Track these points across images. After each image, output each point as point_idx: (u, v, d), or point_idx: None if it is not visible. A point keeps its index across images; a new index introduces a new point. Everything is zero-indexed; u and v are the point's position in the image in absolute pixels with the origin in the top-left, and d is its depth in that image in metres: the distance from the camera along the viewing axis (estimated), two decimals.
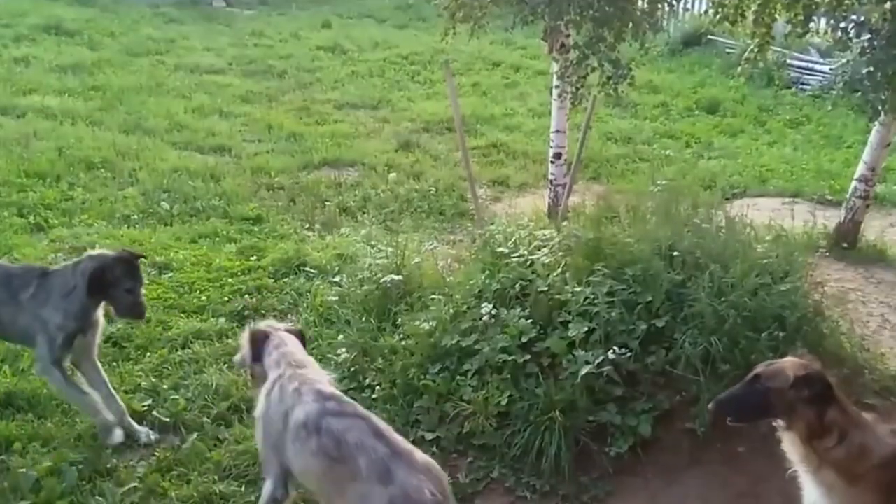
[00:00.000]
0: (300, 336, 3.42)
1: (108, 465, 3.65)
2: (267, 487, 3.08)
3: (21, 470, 3.55)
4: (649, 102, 10.34)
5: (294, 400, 2.97)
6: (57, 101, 8.86)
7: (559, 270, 4.23)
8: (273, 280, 5.43)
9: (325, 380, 3.13)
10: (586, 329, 3.84)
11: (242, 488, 3.56)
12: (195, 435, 3.86)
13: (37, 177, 6.82)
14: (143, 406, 4.05)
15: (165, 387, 4.21)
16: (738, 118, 9.95)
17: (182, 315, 4.97)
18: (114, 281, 3.64)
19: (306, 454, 2.88)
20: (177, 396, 4.12)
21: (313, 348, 4.51)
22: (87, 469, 3.62)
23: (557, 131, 6.36)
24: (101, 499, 3.45)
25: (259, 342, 3.28)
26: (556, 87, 6.11)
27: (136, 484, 3.53)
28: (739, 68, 6.51)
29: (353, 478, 2.74)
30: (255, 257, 5.73)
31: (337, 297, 4.99)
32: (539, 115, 9.50)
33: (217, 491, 3.52)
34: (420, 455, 2.83)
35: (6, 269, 3.95)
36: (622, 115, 9.85)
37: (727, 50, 11.73)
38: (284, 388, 3.03)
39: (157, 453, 3.74)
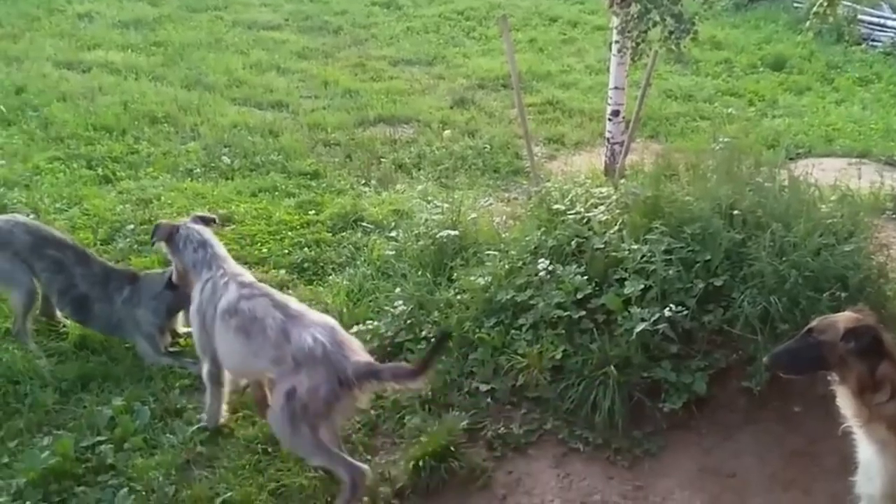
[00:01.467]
0: (207, 221, 3.89)
1: (178, 406, 3.83)
2: (204, 366, 3.62)
3: (97, 408, 3.76)
4: (712, 59, 10.07)
5: (222, 291, 3.49)
6: (120, 56, 9.06)
7: (616, 228, 4.22)
8: (331, 234, 5.52)
9: (244, 272, 3.67)
10: (643, 286, 3.83)
11: None
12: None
13: (103, 130, 7.03)
14: None
15: None
16: (805, 76, 9.64)
17: (244, 266, 5.10)
18: None
19: (230, 334, 3.40)
20: None
21: (370, 301, 4.63)
22: (158, 408, 3.81)
23: (616, 88, 6.26)
24: (171, 436, 3.63)
25: (171, 236, 3.75)
26: (616, 42, 6.00)
27: (204, 424, 3.70)
28: (807, 23, 6.29)
29: (263, 345, 3.29)
30: (313, 211, 5.84)
31: (393, 252, 5.06)
32: (596, 71, 9.36)
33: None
34: (314, 314, 3.39)
35: (105, 267, 4.39)
36: (683, 71, 9.61)
37: (795, 4, 11.31)
38: (216, 284, 3.53)
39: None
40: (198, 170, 6.54)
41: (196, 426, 3.68)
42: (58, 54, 8.92)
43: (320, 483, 3.40)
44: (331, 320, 3.38)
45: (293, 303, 3.45)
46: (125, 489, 3.30)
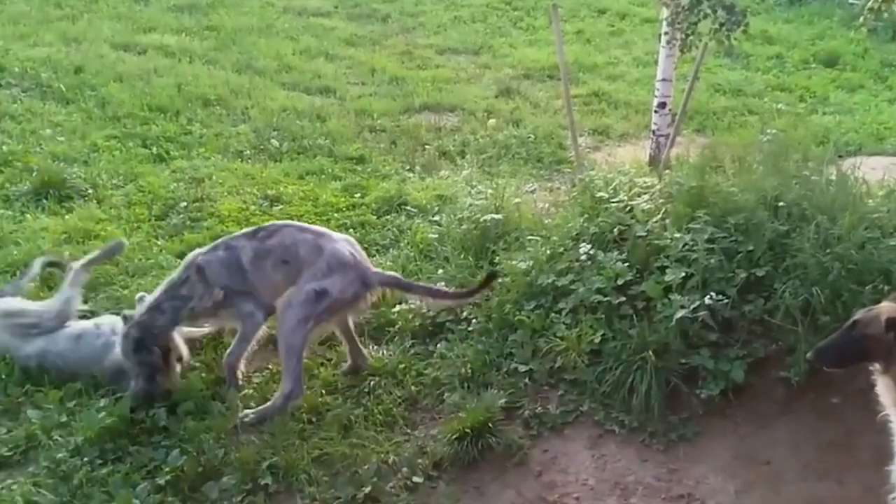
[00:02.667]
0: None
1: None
2: (258, 314, 3.89)
3: None
4: (762, 53, 9.93)
5: (231, 254, 3.86)
6: (175, 39, 9.28)
7: (659, 217, 4.25)
8: (376, 217, 5.63)
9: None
10: (683, 274, 3.87)
11: (339, 400, 3.86)
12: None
13: (158, 111, 7.23)
14: None
15: None
16: (858, 73, 9.45)
17: None
18: None
19: (268, 273, 3.82)
20: None
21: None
22: (207, 377, 3.97)
23: (663, 80, 6.26)
24: (220, 403, 3.78)
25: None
26: (666, 33, 5.98)
27: (252, 391, 3.85)
28: (862, 20, 6.17)
29: (301, 266, 3.77)
30: (358, 195, 5.95)
31: (436, 235, 5.15)
32: (644, 64, 9.30)
33: (323, 402, 3.81)
34: (336, 233, 4.07)
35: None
36: (732, 65, 9.51)
37: (850, 0, 11.06)
38: (213, 262, 3.85)
39: (270, 367, 4.05)
40: (248, 151, 6.71)
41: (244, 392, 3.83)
42: (115, 36, 9.17)
43: (362, 452, 3.52)
44: (352, 239, 4.08)
45: (311, 226, 4.06)
46: (177, 450, 3.45)
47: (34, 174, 5.77)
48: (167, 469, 3.35)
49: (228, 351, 3.91)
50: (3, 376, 3.87)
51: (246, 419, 3.66)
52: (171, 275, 3.96)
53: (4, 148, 6.22)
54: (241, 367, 3.91)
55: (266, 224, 4.10)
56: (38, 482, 3.32)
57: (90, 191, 5.74)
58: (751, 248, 3.94)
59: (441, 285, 4.49)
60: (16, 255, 4.82)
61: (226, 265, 3.85)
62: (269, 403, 3.72)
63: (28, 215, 5.37)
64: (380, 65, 9.17)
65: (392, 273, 4.11)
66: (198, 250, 4.00)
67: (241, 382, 3.91)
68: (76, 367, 3.91)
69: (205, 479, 3.35)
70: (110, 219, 5.38)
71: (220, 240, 4.05)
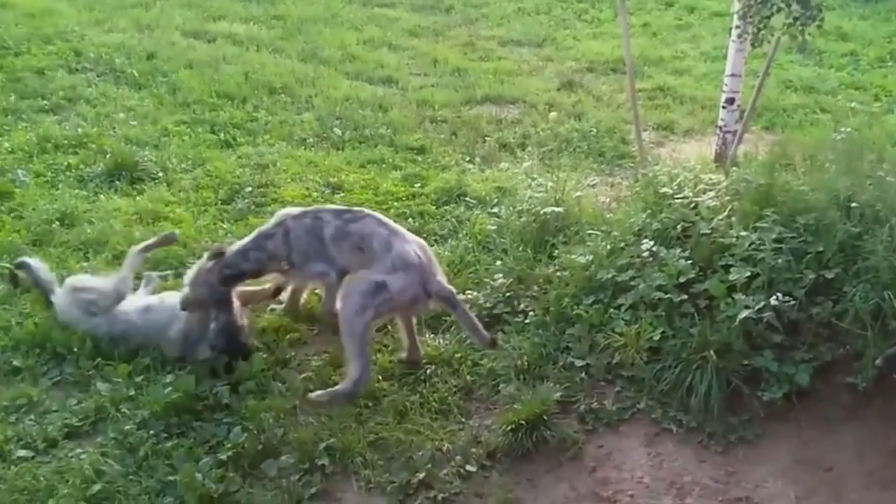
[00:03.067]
0: None
1: (288, 357, 4.07)
2: (332, 274, 4.01)
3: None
4: (836, 50, 9.59)
5: (317, 223, 4.02)
6: (243, 28, 9.46)
7: (724, 214, 4.17)
8: (435, 207, 5.65)
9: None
10: (749, 274, 3.79)
11: (395, 386, 3.90)
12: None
13: (226, 98, 7.39)
14: None
15: None
16: None
17: None
18: None
19: (345, 254, 3.95)
20: None
21: (471, 272, 4.75)
22: (269, 357, 4.06)
23: (733, 75, 6.10)
24: (280, 384, 3.87)
25: None
26: (737, 27, 5.83)
27: (311, 374, 3.93)
28: None
29: (372, 258, 3.86)
30: (418, 184, 5.98)
31: (495, 227, 5.15)
32: (712, 59, 9.09)
33: (380, 388, 3.85)
34: (411, 234, 4.09)
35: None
36: (804, 62, 9.18)
37: None
38: (298, 227, 4.03)
39: (329, 350, 4.12)
40: (311, 139, 6.81)
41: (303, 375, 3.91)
42: (185, 24, 9.39)
43: (416, 438, 3.56)
44: (423, 242, 4.11)
45: (391, 222, 4.11)
46: (238, 427, 3.54)
47: (108, 156, 5.97)
48: (229, 445, 3.44)
49: (323, 302, 4.21)
50: (75, 349, 4.02)
51: (316, 398, 3.73)
52: (263, 225, 4.19)
53: (80, 130, 6.45)
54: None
55: (354, 208, 4.27)
56: (106, 452, 3.45)
57: (160, 174, 5.91)
58: (820, 249, 3.84)
59: (498, 278, 4.50)
60: (89, 233, 5.00)
61: (309, 234, 4.01)
62: (339, 386, 3.77)
63: (101, 196, 5.57)
64: (442, 56, 9.18)
65: (450, 288, 3.97)
66: (289, 210, 4.25)
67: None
68: (144, 337, 4.06)
69: (264, 457, 3.43)
70: (179, 201, 5.53)
71: (311, 207, 4.26)
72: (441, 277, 3.97)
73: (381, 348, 4.16)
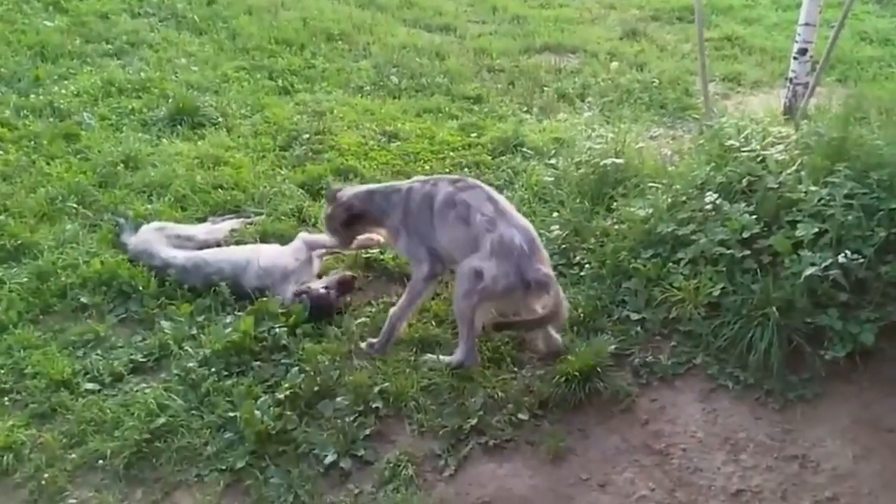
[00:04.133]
0: None
1: (344, 302, 4.11)
2: (424, 267, 3.81)
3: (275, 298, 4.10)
4: None
5: (433, 190, 3.80)
6: None
7: (793, 168, 4.02)
8: (491, 157, 5.60)
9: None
10: (816, 230, 3.66)
11: (448, 334, 3.90)
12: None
13: (284, 44, 7.41)
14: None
15: None
16: None
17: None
18: None
19: (448, 224, 3.72)
20: None
21: None
22: (324, 303, 4.11)
23: (806, 24, 5.82)
24: (336, 329, 3.93)
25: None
26: None
27: (366, 320, 3.98)
28: None
29: (475, 235, 3.62)
30: (474, 134, 5.93)
31: (552, 178, 5.07)
32: (783, 7, 8.73)
33: (433, 335, 3.88)
34: (519, 216, 3.74)
35: None
36: (881, 12, 8.77)
37: None
38: (418, 191, 3.84)
39: (384, 298, 4.15)
40: (367, 87, 6.79)
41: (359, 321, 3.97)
42: None
43: (469, 385, 3.58)
44: (531, 227, 3.73)
45: (502, 198, 3.82)
46: (296, 368, 3.62)
47: (170, 101, 6.06)
48: (286, 385, 3.52)
49: (396, 306, 3.87)
50: (140, 288, 4.14)
51: (427, 364, 3.70)
52: (398, 182, 4.11)
53: (143, 75, 6.55)
54: (403, 326, 3.85)
55: (469, 178, 4.02)
56: (169, 388, 3.57)
57: (220, 119, 5.98)
58: (893, 206, 3.69)
59: (554, 229, 4.45)
60: (153, 176, 5.11)
61: (425, 200, 3.82)
62: (449, 358, 3.69)
63: (164, 140, 5.67)
64: (501, 3, 9.01)
65: (549, 273, 3.61)
66: (421, 178, 4.10)
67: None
68: (227, 273, 4.16)
69: (320, 398, 3.51)
70: (238, 147, 5.60)
71: (436, 176, 4.12)
72: (546, 267, 3.63)
73: (435, 296, 4.16)
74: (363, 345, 3.81)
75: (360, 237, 4.24)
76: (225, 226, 4.65)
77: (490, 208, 3.67)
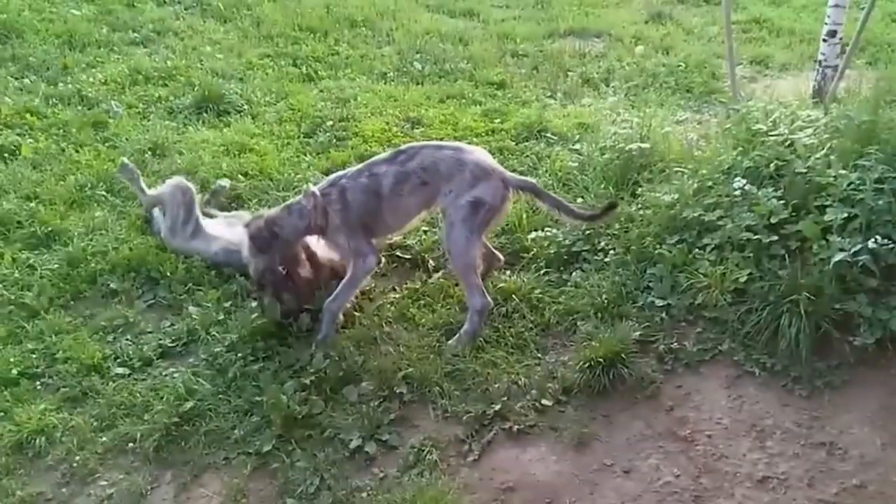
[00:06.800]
0: None
1: (367, 288, 4.13)
2: (371, 259, 3.84)
3: None
4: None
5: (373, 180, 3.80)
6: None
7: (823, 153, 3.96)
8: (514, 143, 5.58)
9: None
10: (846, 215, 3.61)
11: None
12: (440, 273, 4.23)
13: (308, 31, 7.43)
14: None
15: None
16: None
17: None
18: None
19: (403, 197, 3.80)
20: (425, 237, 4.50)
21: None
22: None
23: (836, 6, 5.72)
24: (358, 313, 3.96)
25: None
26: None
27: (390, 305, 3.99)
28: None
29: (440, 184, 3.76)
30: (498, 120, 5.91)
31: (576, 163, 5.05)
32: None
33: (458, 320, 3.88)
34: (469, 146, 3.98)
35: None
36: None
37: None
38: (359, 180, 3.81)
39: (408, 284, 4.17)
40: (391, 73, 6.79)
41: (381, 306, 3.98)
42: None
43: (493, 371, 3.59)
44: (482, 150, 4.06)
45: (446, 141, 4.13)
46: (321, 354, 3.65)
47: (195, 89, 6.11)
48: (312, 370, 3.55)
49: (332, 296, 3.81)
50: (169, 274, 4.20)
51: (454, 349, 3.70)
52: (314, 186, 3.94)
53: (169, 63, 6.61)
54: (341, 316, 3.85)
55: (404, 146, 3.95)
56: (197, 372, 3.62)
57: (245, 106, 6.03)
58: None
59: None
60: (179, 164, 5.17)
61: (366, 192, 3.78)
62: (466, 326, 3.76)
63: (190, 127, 5.72)
64: None
65: (528, 178, 4.09)
66: (340, 173, 3.95)
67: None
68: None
69: (345, 383, 3.53)
70: (263, 134, 5.64)
71: (364, 164, 3.92)
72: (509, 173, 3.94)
73: (458, 283, 4.17)
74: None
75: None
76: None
77: (448, 152, 3.82)
